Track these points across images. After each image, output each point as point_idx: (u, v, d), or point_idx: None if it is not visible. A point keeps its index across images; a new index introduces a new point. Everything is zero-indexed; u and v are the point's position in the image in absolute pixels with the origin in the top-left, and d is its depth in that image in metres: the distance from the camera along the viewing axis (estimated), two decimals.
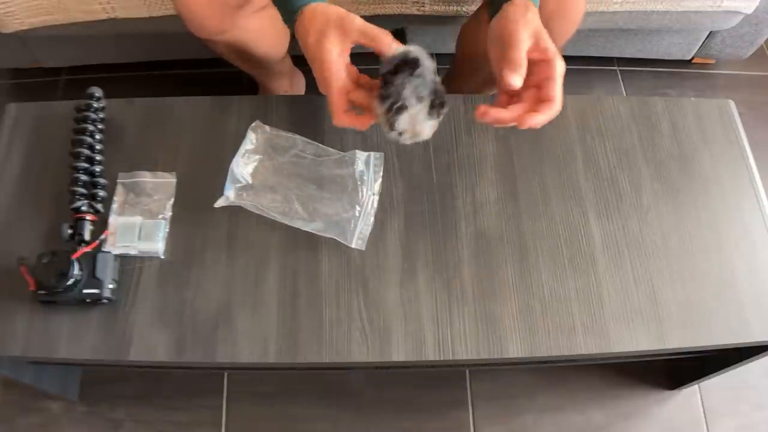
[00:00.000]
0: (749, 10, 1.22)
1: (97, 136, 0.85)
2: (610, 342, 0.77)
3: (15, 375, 0.92)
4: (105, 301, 0.75)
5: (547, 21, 0.96)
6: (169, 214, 0.82)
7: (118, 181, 0.84)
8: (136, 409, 1.12)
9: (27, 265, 0.75)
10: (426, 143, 0.89)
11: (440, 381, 1.16)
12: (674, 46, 1.42)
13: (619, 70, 1.54)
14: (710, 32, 1.36)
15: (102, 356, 0.75)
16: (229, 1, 0.89)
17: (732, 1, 1.19)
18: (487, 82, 1.08)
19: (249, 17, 0.97)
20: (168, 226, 0.82)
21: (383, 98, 0.67)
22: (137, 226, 0.80)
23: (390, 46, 0.69)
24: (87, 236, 0.78)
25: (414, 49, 0.68)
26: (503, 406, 1.14)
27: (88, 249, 0.77)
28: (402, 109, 0.67)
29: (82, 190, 0.80)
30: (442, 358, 0.75)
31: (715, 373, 1.02)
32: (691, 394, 1.16)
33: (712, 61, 1.54)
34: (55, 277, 0.73)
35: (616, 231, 0.84)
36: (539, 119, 0.69)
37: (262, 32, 1.01)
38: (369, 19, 1.07)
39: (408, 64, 0.67)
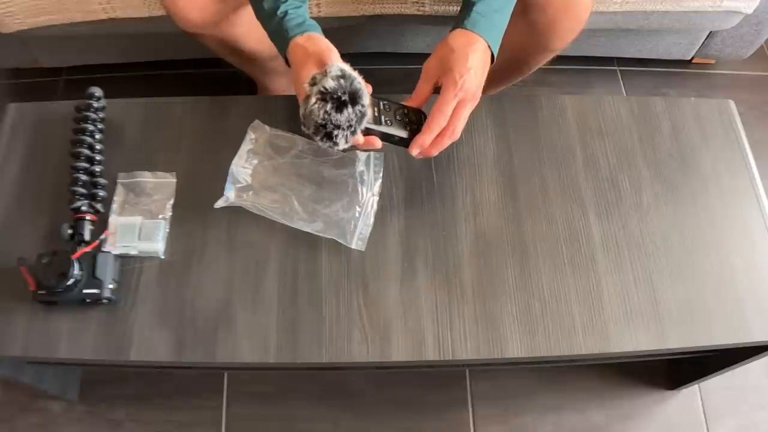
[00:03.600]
0: (749, 10, 1.22)
1: (97, 136, 0.85)
2: (610, 342, 0.77)
3: (15, 375, 0.92)
4: (105, 301, 0.75)
5: (553, 19, 0.97)
6: (169, 214, 0.82)
7: (118, 181, 0.84)
8: (136, 409, 1.12)
9: (27, 265, 0.75)
10: None
11: (440, 381, 1.16)
12: (674, 46, 1.42)
13: (619, 70, 1.54)
14: (710, 32, 1.36)
15: (102, 356, 0.75)
16: None
17: (732, 1, 1.19)
18: (488, 82, 1.09)
19: (235, 11, 0.98)
20: (168, 227, 0.82)
21: (317, 124, 0.71)
22: (137, 226, 0.80)
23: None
24: (87, 236, 0.78)
25: (356, 80, 0.71)
26: (503, 406, 1.14)
27: (88, 249, 0.77)
28: (330, 135, 0.72)
29: (82, 190, 0.80)
30: (442, 358, 0.75)
31: (715, 373, 1.02)
32: (691, 394, 1.16)
33: (712, 61, 1.54)
34: (55, 277, 0.73)
35: (616, 231, 0.84)
36: (424, 138, 0.76)
37: (249, 27, 1.01)
38: (369, 19, 1.08)
39: (354, 100, 0.71)
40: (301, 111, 0.72)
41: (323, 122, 0.71)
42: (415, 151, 0.77)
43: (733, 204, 0.87)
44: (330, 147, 0.73)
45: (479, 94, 0.78)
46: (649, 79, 1.53)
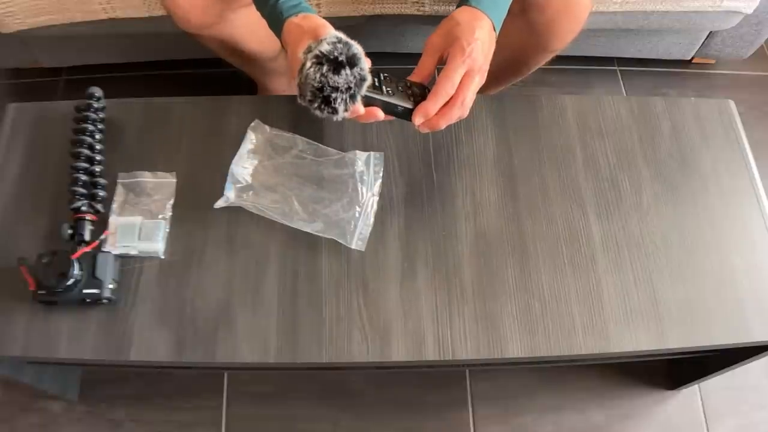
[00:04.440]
0: (749, 10, 1.22)
1: (97, 136, 0.85)
2: (610, 342, 0.77)
3: (15, 375, 0.92)
4: (105, 301, 0.75)
5: (552, 19, 0.97)
6: (169, 214, 0.82)
7: (118, 181, 0.84)
8: (136, 409, 1.12)
9: (27, 265, 0.75)
10: (426, 143, 0.89)
11: (440, 381, 1.16)
12: (674, 46, 1.42)
13: (619, 70, 1.54)
14: (710, 32, 1.36)
15: (102, 356, 0.75)
16: None
17: (732, 1, 1.19)
18: (488, 82, 1.10)
19: (235, 12, 0.98)
20: (168, 226, 0.82)
21: (316, 87, 0.67)
22: (137, 226, 0.80)
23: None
24: (87, 236, 0.78)
25: (354, 46, 0.68)
26: (503, 406, 1.14)
27: (88, 249, 0.77)
28: (328, 100, 0.68)
29: (82, 190, 0.80)
30: (442, 358, 0.75)
31: (715, 373, 1.02)
32: (691, 394, 1.16)
33: (712, 61, 1.54)
34: (55, 277, 0.73)
35: (616, 231, 0.84)
36: (429, 105, 0.73)
37: (249, 27, 1.01)
38: (369, 19, 1.07)
39: (352, 63, 0.68)
40: (297, 81, 0.69)
41: (320, 85, 0.66)
42: (418, 119, 0.73)
43: (733, 204, 0.87)
44: (329, 115, 0.69)
45: (486, 67, 0.75)
46: (649, 79, 1.53)
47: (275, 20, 0.78)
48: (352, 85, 0.68)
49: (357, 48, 0.68)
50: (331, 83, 0.67)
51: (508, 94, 1.31)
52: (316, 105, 0.68)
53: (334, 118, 0.70)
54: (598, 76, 1.53)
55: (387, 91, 0.73)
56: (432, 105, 0.73)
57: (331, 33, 0.69)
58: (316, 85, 0.67)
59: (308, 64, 0.67)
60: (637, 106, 0.94)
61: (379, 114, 0.74)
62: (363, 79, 0.69)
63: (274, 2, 0.78)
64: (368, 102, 0.72)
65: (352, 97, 0.69)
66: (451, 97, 0.73)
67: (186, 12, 0.94)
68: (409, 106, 0.74)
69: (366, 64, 0.69)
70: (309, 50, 0.67)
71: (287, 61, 0.76)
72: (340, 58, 0.67)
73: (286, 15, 0.76)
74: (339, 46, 0.67)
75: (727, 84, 1.55)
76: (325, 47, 0.66)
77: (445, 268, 0.80)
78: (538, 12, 0.95)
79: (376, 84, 0.73)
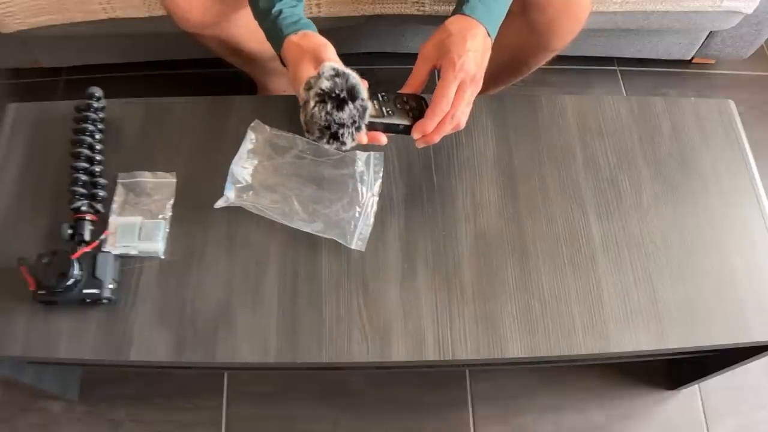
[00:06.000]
0: (749, 10, 1.22)
1: (97, 136, 0.85)
2: (610, 342, 0.77)
3: (15, 375, 0.92)
4: (105, 301, 0.75)
5: (552, 19, 0.97)
6: (169, 214, 0.82)
7: (118, 181, 0.84)
8: (136, 409, 1.12)
9: (27, 265, 0.75)
10: None
11: (440, 381, 1.16)
12: (674, 46, 1.42)
13: (619, 70, 1.54)
14: (710, 32, 1.36)
15: (102, 356, 0.75)
16: None
17: (732, 1, 1.19)
18: (488, 82, 1.10)
19: (235, 12, 0.98)
20: (168, 226, 0.82)
21: (322, 125, 0.70)
22: (137, 226, 0.80)
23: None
24: (87, 236, 0.78)
25: (351, 76, 0.71)
26: (503, 406, 1.14)
27: (88, 249, 0.77)
28: (336, 135, 0.71)
29: (82, 190, 0.80)
30: (442, 358, 0.75)
31: (715, 373, 1.02)
32: (691, 394, 1.16)
33: (712, 61, 1.54)
34: (55, 277, 0.73)
35: (616, 231, 0.84)
36: (426, 123, 0.74)
37: (249, 27, 1.01)
38: (369, 19, 1.07)
39: (353, 96, 0.70)
40: (302, 118, 0.71)
41: (326, 124, 0.70)
42: (416, 135, 0.76)
43: (733, 204, 0.87)
44: (338, 148, 0.72)
45: (481, 76, 0.77)
46: (649, 79, 1.53)
47: (275, 36, 0.79)
48: (357, 119, 0.70)
49: (354, 77, 0.70)
50: (337, 121, 0.69)
51: (508, 94, 1.31)
52: (324, 141, 0.72)
53: (342, 149, 0.73)
54: (598, 76, 1.53)
55: (387, 112, 0.76)
56: (429, 123, 0.75)
57: (326, 66, 0.70)
58: (322, 123, 0.70)
59: (312, 103, 0.69)
60: (637, 106, 0.94)
61: (382, 139, 0.76)
62: (365, 109, 0.71)
63: (274, 18, 0.78)
64: (371, 127, 0.75)
65: (358, 129, 0.71)
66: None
67: (186, 12, 0.95)
68: (408, 123, 0.76)
69: (365, 91, 0.71)
70: (309, 87, 0.70)
71: (288, 78, 0.77)
72: (342, 95, 0.69)
73: (286, 32, 0.77)
74: (338, 81, 0.69)
75: (727, 84, 1.55)
76: (325, 84, 0.69)
77: (445, 269, 0.80)
78: (539, 12, 0.95)
79: (376, 107, 0.75)
